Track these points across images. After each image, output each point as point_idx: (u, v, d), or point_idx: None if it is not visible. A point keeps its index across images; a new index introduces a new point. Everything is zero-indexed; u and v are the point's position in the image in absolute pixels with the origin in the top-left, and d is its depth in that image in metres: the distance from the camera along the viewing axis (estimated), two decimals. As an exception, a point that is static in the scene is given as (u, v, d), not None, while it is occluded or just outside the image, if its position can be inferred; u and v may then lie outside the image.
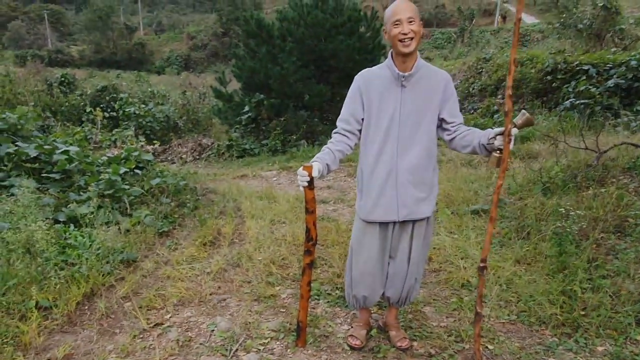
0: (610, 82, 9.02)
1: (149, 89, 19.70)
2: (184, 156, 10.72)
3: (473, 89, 14.70)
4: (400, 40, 2.03)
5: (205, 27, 52.78)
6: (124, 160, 5.47)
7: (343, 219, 4.66)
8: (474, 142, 2.08)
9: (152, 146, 11.07)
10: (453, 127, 2.17)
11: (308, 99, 10.63)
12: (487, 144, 2.02)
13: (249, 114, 10.91)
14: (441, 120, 2.18)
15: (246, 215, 4.64)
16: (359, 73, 2.22)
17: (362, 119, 2.19)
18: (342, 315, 2.77)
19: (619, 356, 2.32)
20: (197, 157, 10.80)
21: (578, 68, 10.11)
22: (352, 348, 2.42)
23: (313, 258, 2.26)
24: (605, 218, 3.70)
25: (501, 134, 1.96)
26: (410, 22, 2.01)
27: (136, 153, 5.60)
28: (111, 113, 14.58)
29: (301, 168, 2.00)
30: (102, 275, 3.00)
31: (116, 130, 12.56)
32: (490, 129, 2.04)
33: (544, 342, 2.48)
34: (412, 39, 2.03)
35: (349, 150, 2.21)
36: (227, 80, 11.93)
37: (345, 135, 2.22)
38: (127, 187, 4.51)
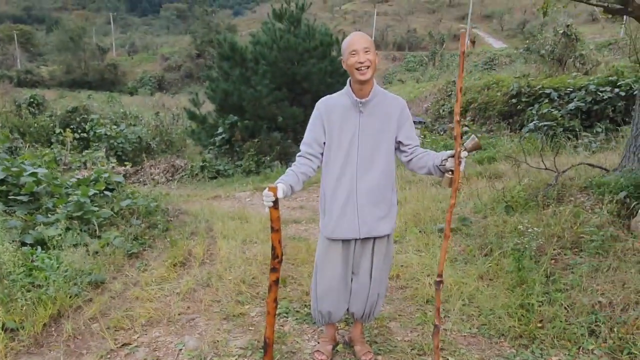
0: (571, 105, 9.48)
1: (121, 110, 19.55)
2: (156, 177, 10.64)
3: (443, 110, 15.16)
4: (357, 69, 2.17)
5: (180, 48, 52.83)
6: (93, 182, 5.42)
7: (314, 238, 4.73)
8: (429, 164, 2.21)
9: (123, 167, 10.96)
10: (410, 149, 2.31)
11: (281, 121, 10.77)
12: (440, 165, 2.16)
13: (223, 136, 10.97)
14: (398, 143, 2.32)
15: (218, 236, 4.66)
16: (320, 100, 2.35)
17: (324, 143, 2.30)
18: (310, 331, 2.83)
19: (571, 365, 2.45)
20: (170, 178, 10.74)
21: (541, 92, 10.60)
22: (318, 363, 2.48)
23: (279, 275, 2.32)
24: (562, 234, 3.89)
25: (452, 156, 2.09)
26: (366, 52, 2.15)
27: (106, 175, 5.57)
28: (82, 134, 14.38)
29: (266, 189, 2.09)
30: (70, 297, 2.98)
31: (87, 151, 12.40)
32: (443, 152, 2.18)
33: (502, 354, 2.59)
34: (368, 67, 2.17)
35: (312, 173, 2.32)
36: (201, 102, 12.00)
37: (308, 159, 2.32)
38: (96, 209, 4.49)
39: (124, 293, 3.27)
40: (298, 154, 2.36)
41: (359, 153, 2.24)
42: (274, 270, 2.29)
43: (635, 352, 2.45)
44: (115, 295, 3.21)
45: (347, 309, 2.47)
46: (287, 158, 10.58)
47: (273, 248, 2.26)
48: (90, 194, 4.72)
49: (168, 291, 3.32)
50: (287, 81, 10.72)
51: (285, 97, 10.74)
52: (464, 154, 2.05)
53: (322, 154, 2.33)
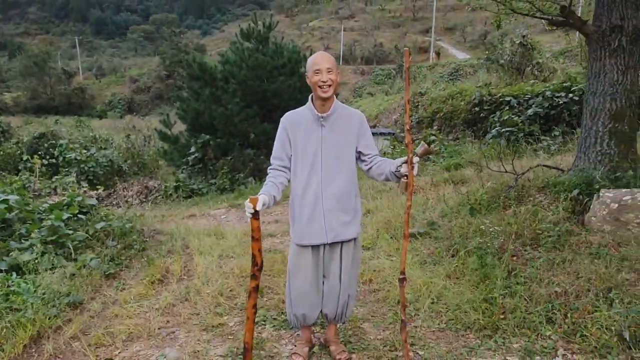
0: (530, 111, 9.93)
1: (91, 134, 19.31)
2: (129, 200, 10.57)
3: (411, 121, 15.56)
4: (320, 87, 2.36)
5: (149, 70, 52.57)
6: (66, 206, 5.43)
7: (289, 250, 4.84)
8: (386, 171, 2.41)
9: (95, 191, 10.85)
10: (369, 158, 2.51)
11: (253, 138, 10.91)
12: (395, 171, 2.35)
13: (196, 155, 11.01)
14: (359, 153, 2.53)
15: (194, 252, 4.73)
16: (284, 115, 2.52)
17: (292, 155, 2.47)
18: (287, 337, 2.95)
19: (530, 351, 2.64)
20: (144, 199, 10.68)
21: (501, 99, 11.05)
22: (295, 365, 2.60)
23: (258, 282, 2.44)
24: (522, 232, 4.13)
25: (406, 162, 2.28)
26: (329, 71, 2.35)
27: (79, 198, 5.58)
28: (50, 160, 14.13)
29: (247, 200, 2.21)
30: (49, 318, 3.02)
31: (56, 177, 12.21)
32: (398, 159, 2.37)
33: (468, 345, 2.77)
34: (329, 85, 2.37)
35: (286, 183, 2.50)
36: (172, 123, 12.03)
37: (281, 171, 2.49)
38: (71, 232, 4.51)
39: (103, 312, 3.32)
40: (270, 167, 2.51)
41: (323, 163, 2.42)
42: (253, 277, 2.39)
43: (586, 334, 2.66)
44: (94, 315, 3.26)
45: (321, 311, 2.61)
46: (260, 174, 10.68)
47: (253, 256, 2.36)
48: (64, 217, 4.74)
49: (147, 307, 3.38)
50: (258, 98, 10.89)
51: (256, 114, 10.89)
52: (415, 159, 2.25)
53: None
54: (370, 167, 2.50)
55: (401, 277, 2.32)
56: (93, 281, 3.77)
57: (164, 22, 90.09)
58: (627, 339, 2.55)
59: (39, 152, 14.63)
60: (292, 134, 2.45)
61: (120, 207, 9.98)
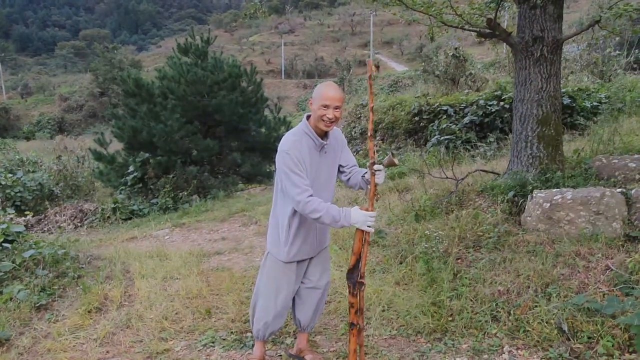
0: (466, 119, 10.39)
1: (17, 157, 18.08)
2: (62, 225, 9.93)
3: (355, 132, 15.82)
4: (324, 121, 2.36)
5: (80, 87, 50.10)
6: (-11, 235, 5.00)
7: (237, 267, 4.72)
8: (359, 179, 2.53)
9: (24, 218, 10.11)
10: (349, 169, 2.62)
11: (196, 154, 10.61)
12: (363, 178, 2.49)
13: (135, 174, 10.55)
14: (340, 166, 2.61)
15: (135, 276, 4.49)
16: (286, 145, 2.39)
17: None
18: (238, 356, 2.85)
19: (478, 349, 2.71)
20: (79, 224, 10.07)
21: (439, 109, 11.50)
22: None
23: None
24: (465, 235, 4.27)
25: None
26: (336, 108, 2.35)
27: (4, 225, 5.16)
28: (-31, 186, 13.02)
29: (366, 211, 2.22)
30: (-31, 360, 2.74)
31: (-23, 204, 11.27)
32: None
33: (419, 349, 2.80)
34: (333, 122, 2.37)
35: None
36: (108, 142, 11.48)
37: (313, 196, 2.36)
38: (-5, 262, 4.15)
39: (34, 347, 3.06)
40: (307, 197, 2.31)
41: (319, 182, 2.47)
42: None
43: (529, 329, 2.76)
44: (23, 351, 2.99)
45: (294, 318, 2.71)
46: (205, 191, 10.40)
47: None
48: (-13, 247, 4.36)
49: (83, 339, 3.15)
50: (199, 114, 10.63)
51: (198, 130, 10.61)
52: (376, 167, 2.33)
53: None
54: (349, 178, 2.61)
55: (360, 280, 2.33)
56: (22, 314, 3.48)
57: (96, 37, 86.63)
58: (566, 330, 2.68)
59: (-43, 179, 13.47)
60: (303, 162, 2.38)
61: (52, 233, 9.36)
